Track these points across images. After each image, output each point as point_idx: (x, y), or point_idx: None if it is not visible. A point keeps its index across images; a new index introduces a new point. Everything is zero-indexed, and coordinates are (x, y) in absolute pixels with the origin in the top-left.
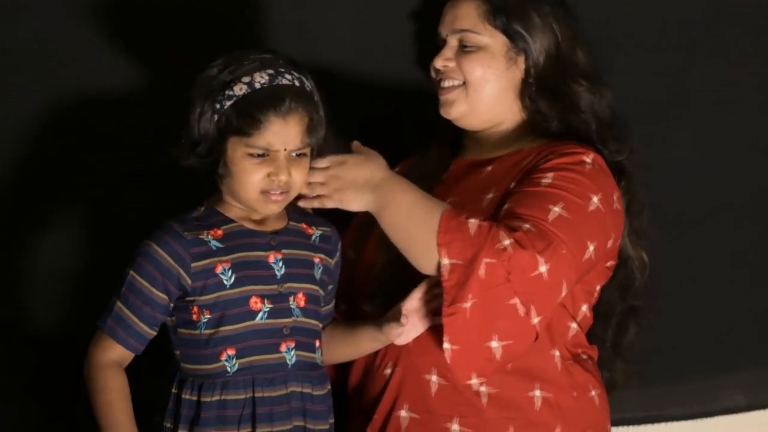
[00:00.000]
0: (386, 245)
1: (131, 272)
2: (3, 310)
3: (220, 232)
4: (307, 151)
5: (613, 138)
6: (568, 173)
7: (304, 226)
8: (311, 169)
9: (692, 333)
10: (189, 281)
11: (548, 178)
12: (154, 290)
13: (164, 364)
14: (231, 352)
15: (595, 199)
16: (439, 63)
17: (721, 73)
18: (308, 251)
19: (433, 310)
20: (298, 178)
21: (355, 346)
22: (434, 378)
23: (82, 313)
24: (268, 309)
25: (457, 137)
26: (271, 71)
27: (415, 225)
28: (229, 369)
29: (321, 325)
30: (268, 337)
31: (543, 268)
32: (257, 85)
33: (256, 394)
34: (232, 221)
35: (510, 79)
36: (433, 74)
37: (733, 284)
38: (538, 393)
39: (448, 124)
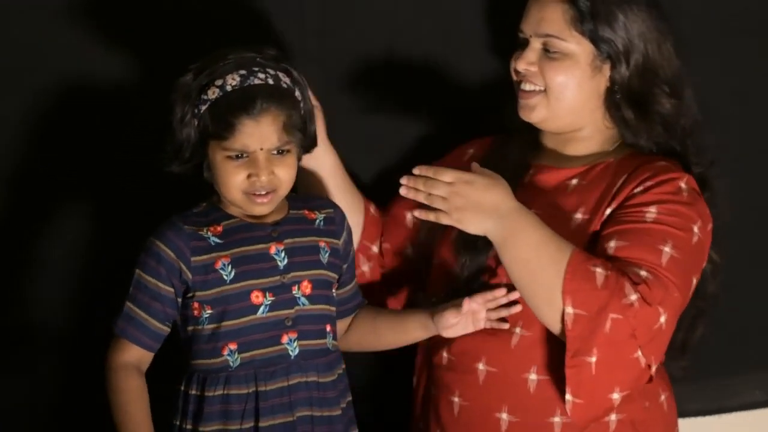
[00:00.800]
0: (465, 250)
1: (137, 271)
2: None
3: (219, 228)
4: (290, 147)
5: (695, 148)
6: (671, 205)
7: (306, 212)
8: (434, 180)
9: (713, 330)
10: (190, 275)
11: (652, 213)
12: (160, 284)
13: (177, 368)
14: (233, 346)
15: (695, 228)
16: (521, 66)
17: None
18: (312, 236)
19: (491, 319)
20: (283, 175)
21: (401, 332)
22: (504, 416)
23: (90, 312)
24: (269, 302)
25: (536, 133)
26: (243, 71)
27: (540, 265)
28: (231, 363)
29: (334, 310)
30: (269, 330)
31: (663, 319)
32: (228, 88)
33: (259, 388)
34: (232, 217)
35: (594, 87)
36: (513, 73)
37: (754, 283)
38: (614, 417)
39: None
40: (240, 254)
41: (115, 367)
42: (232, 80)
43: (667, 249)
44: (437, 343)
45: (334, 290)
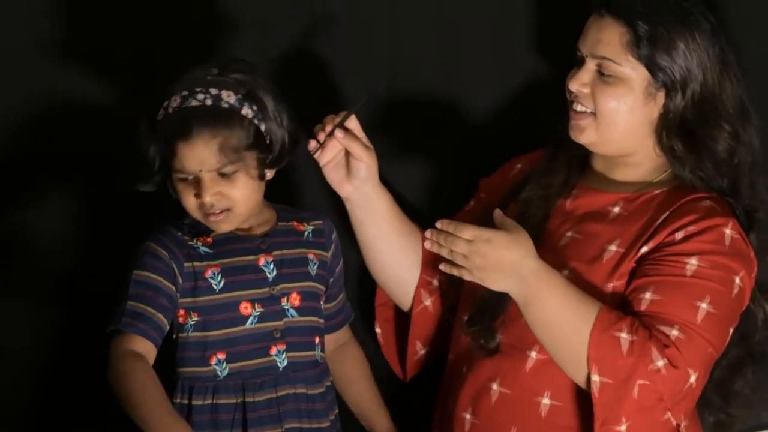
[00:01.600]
0: None
1: (135, 272)
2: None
3: (209, 239)
4: (234, 168)
5: (748, 185)
6: (713, 257)
7: (295, 223)
8: (455, 237)
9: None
10: (180, 280)
11: (693, 265)
12: (162, 280)
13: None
14: (221, 356)
15: (737, 279)
16: (574, 86)
17: None
18: (301, 248)
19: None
20: (235, 195)
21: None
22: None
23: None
24: (258, 313)
25: (585, 150)
26: (185, 92)
27: (564, 332)
28: (219, 373)
29: (322, 322)
30: (257, 342)
31: (693, 379)
32: (170, 110)
33: (247, 399)
34: None
35: (646, 114)
36: (567, 92)
37: None
38: None
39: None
40: (229, 264)
41: (122, 354)
42: (174, 102)
43: (704, 305)
44: (459, 358)
45: (321, 302)
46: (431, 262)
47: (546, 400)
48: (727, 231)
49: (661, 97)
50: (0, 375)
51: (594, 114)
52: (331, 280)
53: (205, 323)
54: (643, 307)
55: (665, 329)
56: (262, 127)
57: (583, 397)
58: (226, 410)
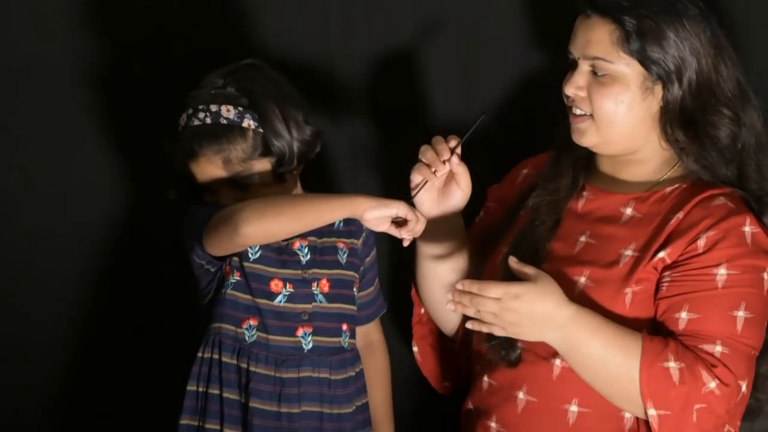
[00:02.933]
0: (509, 268)
1: (199, 206)
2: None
3: None
4: (246, 178)
5: (756, 168)
6: (740, 261)
7: None
8: (481, 297)
9: None
10: None
11: (722, 275)
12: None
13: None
14: (253, 322)
15: (765, 276)
16: (569, 90)
17: None
18: (332, 237)
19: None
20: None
21: None
22: None
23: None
24: (288, 293)
25: (589, 152)
26: (190, 110)
27: (612, 372)
28: (247, 338)
29: (354, 309)
30: (285, 320)
31: (744, 387)
32: (179, 128)
33: (269, 372)
34: None
35: (646, 109)
36: (564, 97)
37: None
38: None
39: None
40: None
41: (234, 206)
42: (182, 120)
43: (740, 313)
44: (482, 367)
45: (355, 289)
46: None
47: (574, 408)
48: (747, 228)
49: (658, 90)
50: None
51: (592, 116)
52: (362, 268)
53: (243, 285)
54: (681, 327)
55: (708, 347)
56: (267, 134)
57: (610, 403)
58: (244, 374)
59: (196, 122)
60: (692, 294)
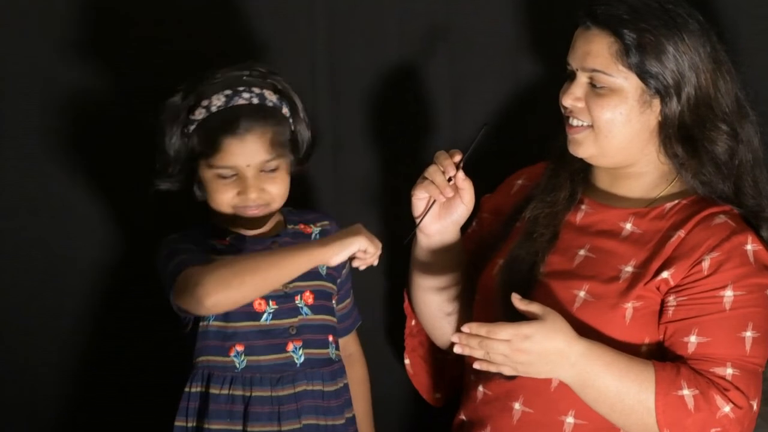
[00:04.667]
0: (504, 293)
1: (167, 248)
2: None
3: (226, 240)
4: (279, 164)
5: (753, 185)
6: (745, 281)
7: (302, 226)
8: (490, 340)
9: None
10: None
11: (729, 297)
12: (194, 246)
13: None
14: (240, 348)
15: None
16: (567, 101)
17: None
18: None
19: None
20: (274, 191)
21: None
22: None
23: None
24: (273, 310)
25: (587, 164)
26: (228, 91)
27: (627, 404)
28: (237, 365)
29: (335, 321)
30: (274, 338)
31: (755, 406)
32: (214, 109)
33: (264, 393)
34: (231, 233)
35: (644, 122)
36: (561, 108)
37: None
38: None
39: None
40: None
41: (194, 273)
42: (218, 101)
43: (748, 334)
44: (476, 377)
45: (334, 301)
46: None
47: (570, 419)
48: (749, 247)
49: (656, 104)
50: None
51: (590, 126)
52: (339, 280)
53: (225, 314)
54: (690, 351)
55: (719, 370)
56: (294, 127)
57: None
58: (241, 401)
59: (241, 101)
60: (700, 318)
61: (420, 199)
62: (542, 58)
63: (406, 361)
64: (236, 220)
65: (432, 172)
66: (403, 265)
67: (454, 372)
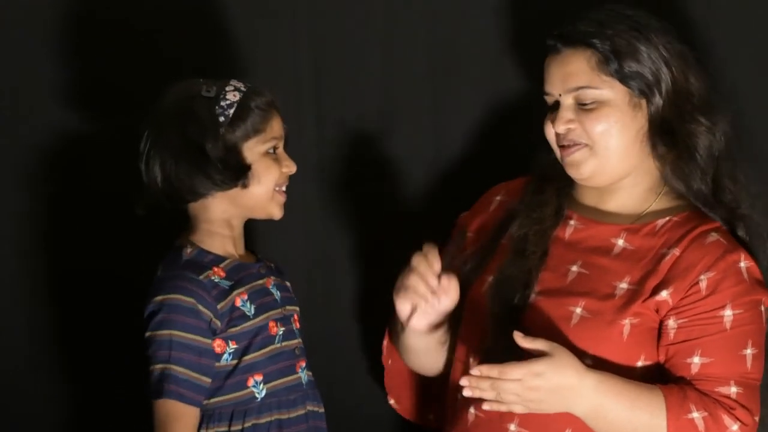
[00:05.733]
0: (497, 313)
1: (172, 332)
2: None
3: (221, 271)
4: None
5: (730, 178)
6: (742, 299)
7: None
8: (501, 381)
9: None
10: (219, 323)
11: (729, 316)
12: (203, 339)
13: None
14: (258, 377)
15: (763, 307)
16: (560, 128)
17: None
18: (281, 278)
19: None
20: (294, 167)
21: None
22: None
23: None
24: (282, 332)
25: (572, 180)
26: (236, 81)
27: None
28: (257, 395)
29: None
30: (287, 360)
31: (758, 420)
32: (242, 88)
33: (282, 416)
34: (224, 258)
35: (637, 128)
36: (551, 139)
37: None
38: None
39: (562, 167)
40: (252, 289)
41: (170, 424)
42: (236, 83)
43: (749, 351)
44: (466, 398)
45: None
46: None
47: None
48: (742, 264)
49: (644, 105)
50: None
51: (587, 145)
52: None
53: (244, 349)
54: (694, 372)
55: (724, 390)
56: None
57: None
58: (263, 429)
59: (249, 85)
60: (702, 339)
61: (404, 305)
62: (522, 74)
63: (391, 402)
64: (229, 239)
65: (413, 283)
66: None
67: (439, 391)
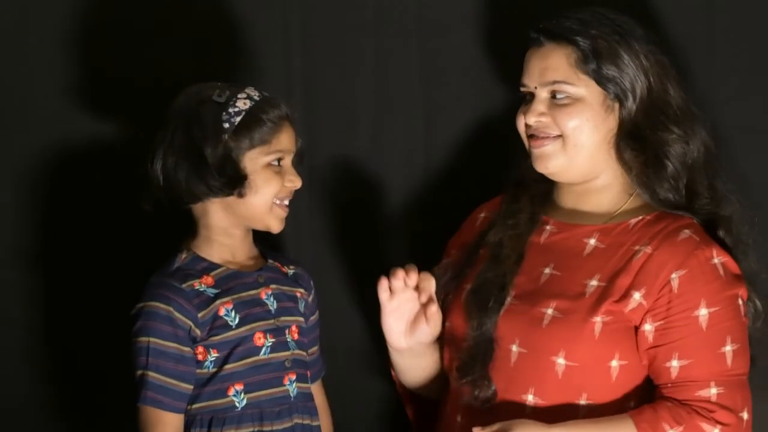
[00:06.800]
0: (475, 317)
1: (149, 339)
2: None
3: (210, 279)
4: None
5: (707, 187)
6: (717, 296)
7: (279, 264)
8: None
9: None
10: (198, 332)
11: (704, 315)
12: (182, 347)
13: None
14: (239, 387)
15: (740, 301)
16: (532, 119)
17: None
18: (290, 286)
19: None
20: (299, 182)
21: None
22: None
23: None
24: (270, 343)
25: (548, 185)
26: (252, 90)
27: None
28: (237, 404)
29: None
30: (272, 371)
31: (745, 415)
32: (256, 96)
33: (264, 428)
34: (218, 266)
35: (607, 129)
36: (523, 128)
37: None
38: None
39: (540, 174)
40: (239, 300)
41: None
42: (250, 92)
43: (728, 348)
44: (451, 409)
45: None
46: None
47: None
48: (716, 260)
49: (617, 108)
50: None
51: (559, 136)
52: (309, 325)
53: (224, 357)
54: (673, 376)
55: (703, 393)
56: None
57: None
58: None
59: (265, 94)
60: (679, 341)
61: (390, 318)
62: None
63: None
64: (228, 247)
65: (393, 283)
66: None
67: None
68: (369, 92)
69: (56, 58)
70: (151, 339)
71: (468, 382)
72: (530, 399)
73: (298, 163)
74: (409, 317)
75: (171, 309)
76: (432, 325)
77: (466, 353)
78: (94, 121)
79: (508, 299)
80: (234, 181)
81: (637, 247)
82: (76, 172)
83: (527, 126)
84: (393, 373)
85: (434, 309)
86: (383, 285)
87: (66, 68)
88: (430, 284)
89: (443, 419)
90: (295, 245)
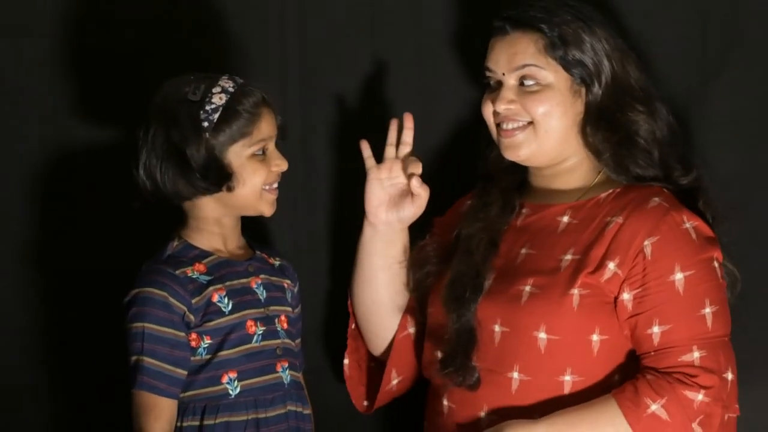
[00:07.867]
0: (453, 309)
1: (144, 325)
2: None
3: (202, 266)
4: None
5: (677, 160)
6: (691, 260)
7: (266, 255)
8: None
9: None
10: (192, 318)
11: (679, 279)
12: (177, 332)
13: None
14: (232, 374)
15: (716, 263)
16: (501, 106)
17: None
18: (278, 277)
19: None
20: (285, 165)
21: None
22: None
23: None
24: (261, 331)
25: (519, 174)
26: (226, 80)
27: None
28: (231, 392)
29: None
30: (265, 359)
31: (729, 376)
32: (230, 88)
33: (259, 415)
34: (209, 254)
35: (576, 113)
36: (490, 116)
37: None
38: None
39: (509, 164)
40: (231, 287)
41: (145, 415)
42: (225, 83)
43: (707, 310)
44: (436, 393)
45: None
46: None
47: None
48: (687, 225)
49: (583, 93)
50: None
51: (528, 124)
52: (292, 314)
53: (218, 344)
54: (656, 342)
55: (686, 358)
56: None
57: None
58: (237, 428)
59: (239, 81)
60: (657, 307)
61: (373, 184)
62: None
63: (345, 361)
64: (219, 236)
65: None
66: (351, 263)
67: (386, 383)
68: (364, 81)
69: (56, 57)
70: (146, 324)
71: (451, 372)
72: (516, 376)
73: (282, 140)
74: (391, 192)
75: (166, 294)
76: (417, 203)
77: (448, 345)
78: (94, 121)
79: (487, 283)
80: (221, 179)
81: (608, 219)
82: (76, 172)
83: (495, 114)
84: (349, 303)
85: (417, 184)
86: (365, 146)
87: (65, 67)
88: (418, 168)
89: (432, 403)
90: (289, 240)
